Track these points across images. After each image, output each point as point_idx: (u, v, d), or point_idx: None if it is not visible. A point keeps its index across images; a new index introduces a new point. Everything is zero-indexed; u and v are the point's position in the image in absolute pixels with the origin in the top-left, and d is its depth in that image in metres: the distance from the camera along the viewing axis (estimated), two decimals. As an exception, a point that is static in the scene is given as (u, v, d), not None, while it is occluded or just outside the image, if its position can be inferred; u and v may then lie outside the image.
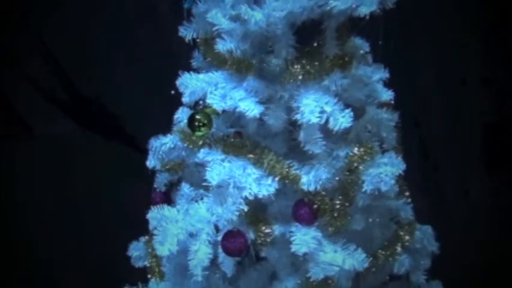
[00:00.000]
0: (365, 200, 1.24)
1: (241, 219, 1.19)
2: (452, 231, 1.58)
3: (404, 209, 1.36)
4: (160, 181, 1.41)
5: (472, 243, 1.88)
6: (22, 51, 1.90)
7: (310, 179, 1.19)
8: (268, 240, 1.24)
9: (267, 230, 1.25)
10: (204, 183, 1.17)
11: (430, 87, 2.05)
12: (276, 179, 1.18)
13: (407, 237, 1.35)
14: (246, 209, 1.16)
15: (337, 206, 1.21)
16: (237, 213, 1.16)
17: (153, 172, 1.38)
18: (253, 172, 1.19)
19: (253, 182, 1.17)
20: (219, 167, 1.18)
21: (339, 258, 1.19)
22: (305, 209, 1.20)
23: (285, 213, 1.24)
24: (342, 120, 1.21)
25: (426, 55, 2.02)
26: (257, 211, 1.24)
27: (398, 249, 1.33)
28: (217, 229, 1.23)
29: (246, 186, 1.16)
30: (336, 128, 1.21)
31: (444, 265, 1.42)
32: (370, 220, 1.30)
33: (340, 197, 1.22)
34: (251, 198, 1.16)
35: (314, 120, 1.13)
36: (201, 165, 1.28)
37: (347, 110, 1.22)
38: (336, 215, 1.22)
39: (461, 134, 2.05)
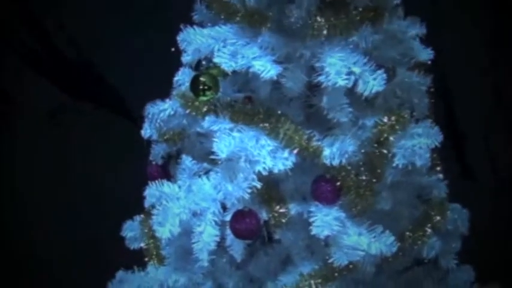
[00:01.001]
0: (395, 175, 1.14)
1: (253, 197, 1.10)
2: (481, 208, 1.45)
3: (437, 186, 1.27)
4: (157, 153, 1.32)
5: (502, 220, 1.76)
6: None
7: (333, 152, 1.08)
8: (283, 221, 1.15)
9: (282, 210, 1.16)
10: (211, 156, 1.08)
11: (456, 49, 1.89)
12: (294, 151, 1.09)
13: (438, 218, 1.25)
14: (259, 185, 1.07)
15: (363, 183, 1.11)
16: (249, 190, 1.06)
17: (149, 143, 1.30)
18: (268, 143, 1.09)
19: (268, 154, 1.08)
20: (228, 138, 1.08)
21: (364, 241, 1.10)
22: (327, 186, 1.11)
23: (303, 190, 1.17)
24: (373, 83, 1.06)
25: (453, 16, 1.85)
26: (271, 188, 1.15)
27: (429, 231, 1.24)
28: (224, 208, 1.14)
29: (260, 159, 1.07)
30: (367, 93, 1.07)
31: (473, 247, 1.35)
32: (399, 199, 1.20)
33: (366, 173, 1.12)
34: (265, 173, 1.07)
35: (341, 82, 1.02)
36: (204, 136, 1.22)
37: (379, 71, 1.07)
38: (361, 193, 1.12)
39: (490, 103, 1.89)
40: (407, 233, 1.23)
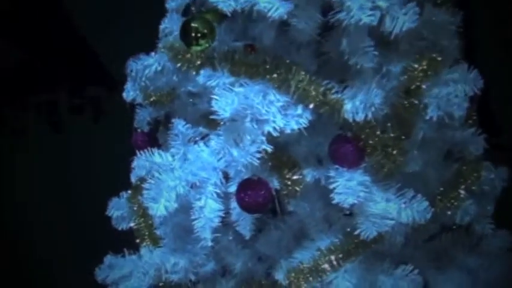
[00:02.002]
0: (427, 131, 1.05)
1: (262, 164, 1.01)
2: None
3: (472, 141, 1.16)
4: (143, 119, 1.25)
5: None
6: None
7: (356, 106, 0.97)
8: (298, 189, 1.07)
9: (296, 177, 1.07)
10: (211, 117, 0.98)
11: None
12: (309, 106, 0.99)
13: (473, 178, 1.16)
14: (269, 149, 0.97)
15: (391, 141, 1.01)
16: (258, 155, 0.97)
17: (132, 107, 1.23)
18: (277, 99, 0.99)
19: (278, 112, 0.98)
20: (230, 95, 0.97)
21: (393, 208, 1.02)
22: (348, 146, 1.01)
23: (319, 153, 1.09)
24: (404, 19, 0.91)
25: None
26: (281, 152, 1.07)
27: (462, 193, 1.15)
28: (226, 178, 1.07)
29: (269, 118, 0.98)
30: (396, 30, 0.93)
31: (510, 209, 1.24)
32: (429, 157, 1.11)
33: (393, 129, 1.02)
34: (275, 134, 0.98)
35: (365, 19, 0.90)
36: (198, 96, 1.16)
37: (410, 4, 0.93)
38: (388, 152, 1.02)
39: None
40: (438, 197, 1.14)
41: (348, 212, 1.06)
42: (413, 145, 1.05)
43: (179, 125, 1.13)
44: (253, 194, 1.01)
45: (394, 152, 1.02)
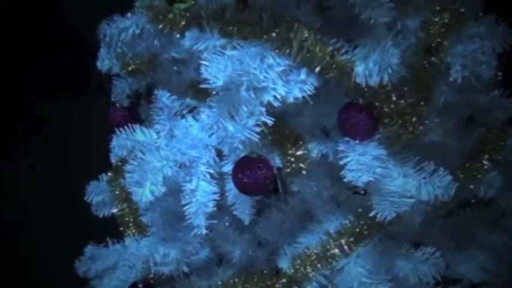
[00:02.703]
0: (449, 95, 0.99)
1: (261, 139, 0.93)
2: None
3: (499, 105, 1.07)
4: (121, 91, 1.19)
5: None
6: None
7: (370, 68, 0.89)
8: (303, 166, 0.99)
9: (300, 152, 0.99)
10: (201, 86, 0.90)
11: None
12: (315, 70, 0.90)
13: (497, 147, 1.08)
14: (270, 121, 0.90)
15: (408, 108, 0.93)
16: (257, 129, 0.89)
17: (109, 78, 1.17)
18: (277, 62, 0.90)
19: (279, 78, 0.90)
20: (222, 59, 0.89)
21: (412, 185, 0.95)
22: (360, 115, 0.94)
23: (326, 124, 1.02)
24: None
25: None
26: (283, 124, 1.00)
27: (486, 164, 1.07)
28: (219, 156, 1.02)
29: (268, 85, 0.90)
30: None
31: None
32: (450, 125, 1.05)
33: (411, 94, 0.94)
34: (276, 105, 0.90)
35: None
36: (183, 63, 1.10)
37: None
38: (406, 121, 0.94)
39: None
40: (459, 169, 1.07)
41: (361, 191, 1.00)
42: (434, 112, 0.99)
43: (163, 97, 1.05)
44: (253, 174, 0.94)
45: (413, 120, 0.94)
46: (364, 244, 1.04)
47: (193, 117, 1.04)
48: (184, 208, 0.98)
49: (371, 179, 0.91)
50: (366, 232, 1.04)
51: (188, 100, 1.08)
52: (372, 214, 0.95)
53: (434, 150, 1.02)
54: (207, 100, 1.01)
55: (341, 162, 0.93)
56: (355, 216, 1.05)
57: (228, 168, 1.02)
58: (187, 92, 1.09)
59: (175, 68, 1.11)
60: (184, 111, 1.06)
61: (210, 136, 1.01)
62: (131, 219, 1.15)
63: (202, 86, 0.89)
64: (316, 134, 1.02)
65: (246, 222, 1.03)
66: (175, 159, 0.99)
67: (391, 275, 1.02)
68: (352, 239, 1.04)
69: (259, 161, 0.95)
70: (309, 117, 1.02)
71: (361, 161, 0.92)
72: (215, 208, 0.98)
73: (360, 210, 1.03)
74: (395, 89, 0.93)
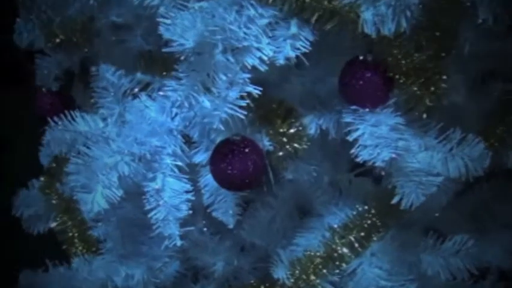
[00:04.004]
0: (474, 42, 0.92)
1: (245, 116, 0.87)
2: None
3: None
4: (47, 72, 1.15)
5: None
6: None
7: (382, 12, 0.81)
8: (298, 147, 0.93)
9: (293, 130, 0.94)
10: (165, 49, 0.82)
11: None
12: (311, 20, 0.83)
13: None
14: (258, 92, 0.83)
15: (429, 62, 0.87)
16: (241, 103, 0.82)
17: (31, 56, 1.13)
18: (259, 13, 0.83)
19: (263, 33, 0.83)
20: (187, 14, 0.81)
21: (437, 159, 0.90)
22: (371, 75, 0.88)
23: (321, 91, 0.96)
24: None
25: None
26: (268, 96, 0.93)
27: None
28: (188, 143, 0.97)
29: (250, 44, 0.82)
30: None
31: None
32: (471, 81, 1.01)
33: (429, 43, 0.87)
34: (263, 69, 0.83)
35: None
36: (127, 28, 1.05)
37: None
38: (427, 78, 0.87)
39: None
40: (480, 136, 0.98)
41: (381, 172, 0.93)
42: (457, 65, 0.93)
43: (107, 73, 0.99)
44: (239, 162, 0.87)
45: (435, 77, 0.87)
46: (379, 238, 1.00)
47: (148, 95, 0.98)
48: (150, 215, 0.92)
49: (393, 155, 0.85)
50: (379, 223, 1.00)
51: (139, 75, 1.03)
52: (395, 200, 0.89)
53: (454, 113, 0.98)
54: (165, 73, 0.97)
55: (350, 138, 0.87)
56: (364, 205, 1.01)
57: (200, 157, 0.96)
58: (135, 65, 1.04)
59: (115, 37, 1.07)
60: (135, 90, 1.01)
61: (173, 118, 0.95)
62: (76, 234, 1.12)
63: (167, 49, 0.79)
64: (311, 104, 0.96)
65: (231, 226, 0.97)
66: (131, 152, 0.92)
67: (415, 273, 0.99)
68: (363, 234, 1.00)
69: (245, 145, 0.88)
70: (300, 84, 0.97)
71: (377, 134, 0.86)
72: (190, 211, 0.92)
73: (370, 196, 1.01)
74: (411, 38, 0.86)
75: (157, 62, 1.00)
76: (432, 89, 0.88)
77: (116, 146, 0.92)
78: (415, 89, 0.88)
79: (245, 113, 0.81)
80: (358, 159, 0.86)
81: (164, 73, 0.99)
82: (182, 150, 0.95)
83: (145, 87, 1.01)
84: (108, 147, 0.93)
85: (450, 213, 1.10)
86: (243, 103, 0.81)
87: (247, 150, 0.87)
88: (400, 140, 0.86)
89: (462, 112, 1.03)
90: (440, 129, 0.91)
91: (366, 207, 1.00)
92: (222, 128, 0.82)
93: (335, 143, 0.94)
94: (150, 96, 0.98)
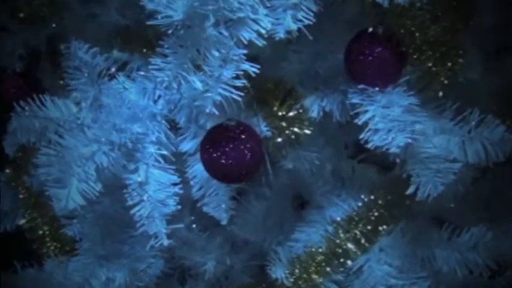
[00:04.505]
0: (490, 12, 0.95)
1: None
2: None
3: None
4: (10, 51, 1.15)
5: None
6: None
7: None
8: (300, 132, 0.90)
9: (293, 112, 0.91)
10: (151, 23, 0.77)
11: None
12: None
13: None
14: (255, 70, 0.78)
15: (446, 35, 0.84)
16: (237, 83, 0.78)
17: None
18: None
19: (260, 3, 0.79)
20: None
21: (455, 143, 0.89)
22: (381, 50, 0.85)
23: (327, 68, 0.94)
24: None
25: None
26: (263, 75, 0.85)
27: None
28: (174, 128, 0.94)
29: (246, 15, 0.78)
30: None
31: None
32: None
33: (446, 16, 0.85)
34: (261, 44, 0.79)
35: None
36: (98, 1, 1.07)
37: None
38: (443, 53, 0.85)
39: None
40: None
41: (396, 160, 0.88)
42: (474, 38, 0.94)
43: (79, 52, 0.95)
44: (235, 151, 0.83)
45: (452, 51, 0.86)
46: (388, 232, 0.97)
47: (126, 76, 0.94)
48: (132, 211, 0.88)
49: (409, 140, 0.82)
50: (387, 215, 0.97)
51: (116, 53, 1.02)
52: (410, 191, 0.86)
53: (468, 92, 0.95)
54: (146, 50, 0.96)
55: (358, 121, 0.84)
56: (370, 195, 0.98)
57: (188, 145, 0.92)
58: (111, 42, 1.02)
59: (86, 11, 1.07)
60: (112, 70, 0.97)
61: (156, 101, 0.91)
62: (47, 233, 1.10)
63: (153, 22, 0.74)
64: (312, 84, 0.93)
65: (224, 222, 0.94)
66: (109, 141, 0.88)
67: (429, 270, 0.97)
68: (369, 227, 0.97)
69: (241, 131, 0.84)
70: (298, 61, 0.95)
71: (390, 116, 0.83)
72: (178, 206, 0.88)
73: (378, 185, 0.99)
74: (426, 8, 0.84)
75: (135, 38, 0.99)
76: (449, 64, 0.85)
77: (92, 134, 0.88)
78: (430, 65, 0.86)
79: (242, 94, 0.76)
80: (369, 145, 0.83)
81: (144, 50, 0.97)
82: (167, 138, 0.91)
83: (122, 66, 0.98)
84: (84, 136, 0.88)
85: (461, 203, 1.08)
86: (239, 83, 0.77)
87: (243, 136, 0.83)
88: (416, 122, 0.83)
89: (477, 91, 1.02)
90: (456, 110, 0.89)
91: (372, 197, 0.97)
92: (216, 112, 0.77)
93: (337, 126, 0.93)
94: (129, 76, 0.94)
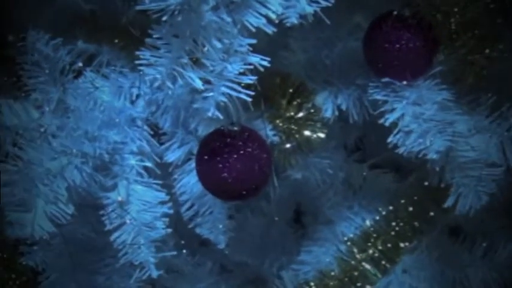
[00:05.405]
0: None
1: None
2: None
3: None
4: None
5: None
6: None
7: None
8: (312, 135, 0.87)
9: (303, 113, 0.88)
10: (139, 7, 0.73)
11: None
12: None
13: None
14: (266, 63, 0.74)
15: (482, 18, 0.83)
16: (245, 79, 0.74)
17: None
18: None
19: None
20: None
21: (493, 144, 0.86)
22: (409, 37, 0.82)
23: (337, 58, 0.92)
24: None
25: None
26: (266, 68, 0.81)
27: None
28: (157, 133, 0.91)
29: None
30: None
31: None
32: None
33: None
34: (270, 31, 0.75)
35: None
36: None
37: None
38: (480, 39, 0.83)
39: None
40: None
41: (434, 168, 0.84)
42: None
43: (37, 44, 0.91)
44: (240, 162, 0.77)
45: (490, 36, 0.84)
46: (411, 250, 0.94)
47: (94, 71, 0.91)
48: (112, 237, 0.84)
49: (448, 142, 0.79)
50: (409, 229, 0.94)
51: (81, 44, 0.95)
52: (448, 204, 0.82)
53: (506, 83, 0.93)
54: (118, 40, 0.91)
55: (386, 122, 0.80)
56: (388, 206, 0.95)
57: (175, 155, 0.89)
58: (74, 30, 0.97)
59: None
60: (79, 65, 0.93)
61: (134, 102, 0.88)
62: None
63: (142, 7, 0.69)
64: (321, 77, 0.90)
65: (222, 245, 0.89)
66: (81, 152, 0.84)
67: None
68: (389, 245, 0.94)
69: (247, 137, 0.79)
70: (301, 50, 0.92)
71: (424, 115, 0.80)
72: (168, 230, 0.83)
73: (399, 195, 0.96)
74: None
75: (104, 26, 0.94)
76: (487, 51, 0.83)
77: (60, 145, 0.85)
78: (465, 52, 0.83)
79: (252, 93, 0.71)
80: (400, 151, 0.78)
81: (116, 41, 0.91)
82: (150, 146, 0.88)
83: (89, 60, 0.93)
84: (49, 147, 0.84)
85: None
86: (247, 80, 0.71)
87: (249, 144, 0.78)
88: (455, 122, 0.79)
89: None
90: (492, 105, 0.86)
91: (391, 208, 0.94)
92: (220, 116, 0.72)
93: (340, 124, 0.90)
94: (98, 72, 0.90)
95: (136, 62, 0.77)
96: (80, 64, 0.92)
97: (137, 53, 0.77)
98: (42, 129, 0.86)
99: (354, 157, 1.00)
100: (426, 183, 0.93)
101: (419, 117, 0.80)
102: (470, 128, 0.85)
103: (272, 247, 1.00)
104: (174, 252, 0.90)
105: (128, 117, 0.88)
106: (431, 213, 0.96)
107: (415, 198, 0.93)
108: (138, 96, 0.88)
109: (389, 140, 0.82)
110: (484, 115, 0.86)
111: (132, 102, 0.89)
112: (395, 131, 0.81)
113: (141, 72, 0.79)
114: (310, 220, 1.02)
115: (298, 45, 0.92)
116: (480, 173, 0.84)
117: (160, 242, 0.92)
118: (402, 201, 0.95)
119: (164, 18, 0.71)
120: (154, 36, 0.74)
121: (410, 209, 0.94)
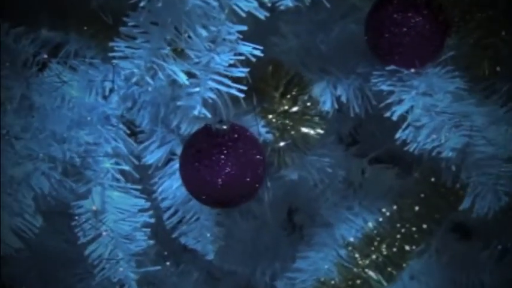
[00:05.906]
0: None
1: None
2: None
3: None
4: None
5: None
6: None
7: None
8: (310, 132, 0.85)
9: (298, 106, 0.85)
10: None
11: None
12: None
13: None
14: (259, 53, 0.70)
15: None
16: (236, 72, 0.70)
17: None
18: None
19: None
20: None
21: (510, 135, 0.83)
22: (418, 20, 0.79)
23: (334, 43, 0.89)
24: None
25: None
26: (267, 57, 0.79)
27: None
28: (134, 134, 0.88)
29: None
30: None
31: None
32: None
33: None
34: (262, 15, 0.71)
35: None
36: None
37: None
38: (492, 19, 0.82)
39: None
40: None
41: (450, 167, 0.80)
42: None
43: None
44: (231, 164, 0.74)
45: (507, 19, 0.81)
46: (419, 254, 0.93)
47: (64, 64, 0.88)
48: (87, 251, 0.80)
49: (466, 138, 0.76)
50: (415, 231, 0.92)
51: (45, 32, 0.93)
52: (463, 206, 0.79)
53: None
54: (86, 27, 0.88)
55: (393, 115, 0.77)
56: (392, 206, 0.93)
57: (154, 156, 0.86)
58: (37, 17, 0.94)
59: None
60: (44, 56, 0.90)
61: (107, 98, 0.86)
62: None
63: None
64: (317, 65, 0.86)
65: (210, 256, 0.86)
66: (49, 156, 0.82)
67: None
68: (394, 249, 0.92)
69: (238, 136, 0.76)
70: (293, 35, 0.88)
71: (437, 107, 0.78)
72: (150, 242, 0.80)
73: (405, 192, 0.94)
74: None
75: (70, 12, 0.90)
76: (503, 33, 0.80)
77: (24, 148, 0.82)
78: (479, 35, 0.81)
79: (244, 87, 0.66)
80: (410, 148, 0.75)
81: (85, 28, 0.88)
82: (127, 147, 0.85)
83: (55, 50, 0.91)
84: (12, 151, 0.82)
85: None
86: (237, 73, 0.67)
87: (240, 144, 0.74)
88: (473, 114, 0.76)
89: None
90: (507, 92, 0.83)
91: (395, 208, 0.92)
92: (208, 114, 0.67)
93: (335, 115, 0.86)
94: (66, 64, 0.87)
95: (110, 54, 0.71)
96: (45, 55, 0.90)
97: (111, 44, 0.71)
98: (3, 131, 0.84)
99: (352, 151, 0.94)
100: (433, 179, 0.89)
101: (430, 109, 0.77)
102: (483, 119, 0.82)
103: (264, 253, 0.98)
104: (158, 267, 0.84)
105: (101, 114, 0.86)
106: (440, 213, 0.90)
107: (422, 196, 0.90)
108: (111, 90, 0.86)
109: (397, 135, 0.79)
110: (499, 104, 0.83)
111: (105, 98, 0.86)
112: (404, 126, 0.78)
113: (114, 63, 0.75)
114: (306, 222, 0.97)
115: (290, 30, 0.88)
116: (499, 171, 0.79)
117: (141, 255, 0.86)
118: (407, 200, 0.92)
119: (142, 4, 0.65)
120: (129, 24, 0.70)
121: (417, 208, 0.92)
